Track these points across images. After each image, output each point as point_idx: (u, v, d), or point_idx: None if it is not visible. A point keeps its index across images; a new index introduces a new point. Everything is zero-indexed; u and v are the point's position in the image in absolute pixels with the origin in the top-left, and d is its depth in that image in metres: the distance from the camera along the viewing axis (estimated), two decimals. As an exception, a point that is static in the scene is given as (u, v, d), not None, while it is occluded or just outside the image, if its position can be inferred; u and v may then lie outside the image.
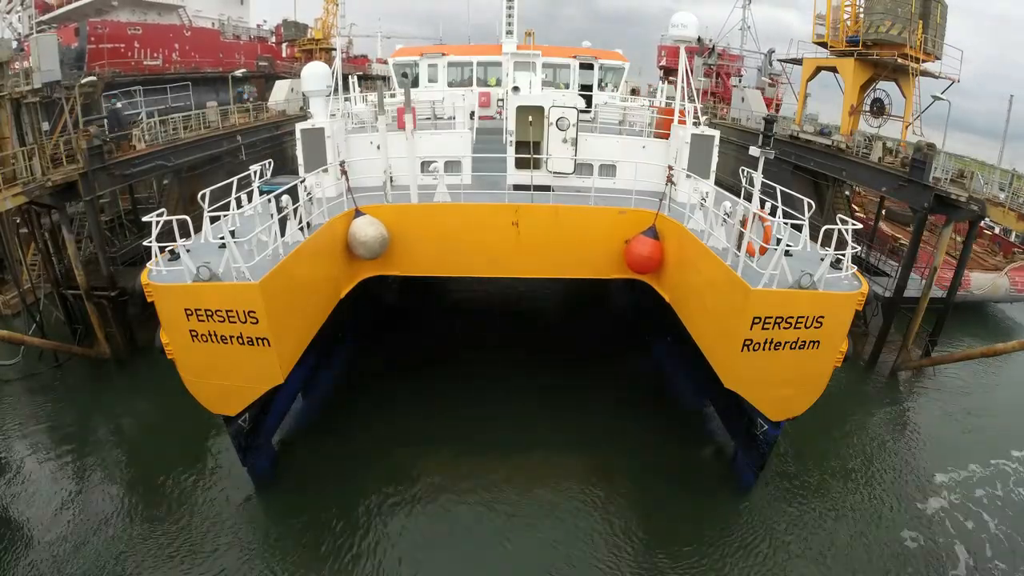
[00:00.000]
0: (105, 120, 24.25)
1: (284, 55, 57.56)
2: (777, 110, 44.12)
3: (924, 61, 25.90)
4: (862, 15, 26.19)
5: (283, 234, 12.28)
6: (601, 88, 24.82)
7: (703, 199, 14.36)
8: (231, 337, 11.32)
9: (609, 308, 24.82)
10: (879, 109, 28.18)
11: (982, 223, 22.64)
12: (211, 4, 48.46)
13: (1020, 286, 27.30)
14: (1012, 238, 32.54)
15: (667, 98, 19.97)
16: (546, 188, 16.24)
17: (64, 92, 22.81)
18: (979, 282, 26.21)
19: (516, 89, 18.22)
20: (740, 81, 52.35)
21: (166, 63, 40.20)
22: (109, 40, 36.57)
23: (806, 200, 12.14)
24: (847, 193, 30.84)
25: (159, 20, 43.38)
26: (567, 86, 24.39)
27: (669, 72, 53.15)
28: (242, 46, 49.57)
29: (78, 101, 23.40)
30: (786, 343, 11.73)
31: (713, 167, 16.04)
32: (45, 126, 22.57)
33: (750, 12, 51.41)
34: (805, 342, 11.75)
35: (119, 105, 29.65)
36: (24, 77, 20.82)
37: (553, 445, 16.56)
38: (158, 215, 10.82)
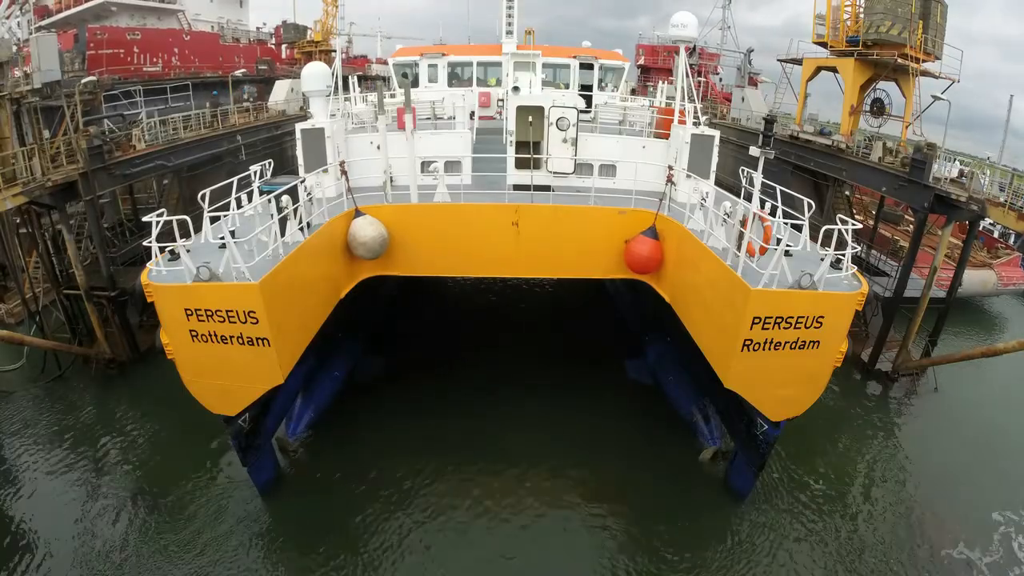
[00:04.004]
0: (106, 120, 24.23)
1: (284, 57, 57.58)
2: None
3: (924, 61, 25.87)
4: (862, 15, 26.14)
5: (283, 234, 12.27)
6: (601, 88, 24.82)
7: (703, 199, 14.35)
8: (231, 337, 11.32)
9: (609, 308, 24.79)
10: (879, 109, 28.13)
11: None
12: (210, 7, 48.54)
13: (1006, 280, 28.52)
14: (1012, 240, 32.54)
15: (667, 98, 19.95)
16: (546, 188, 16.22)
17: (65, 99, 22.79)
18: (970, 278, 26.40)
19: (516, 89, 18.20)
20: (720, 79, 52.91)
21: (166, 68, 40.15)
22: (108, 46, 36.55)
23: (806, 200, 12.12)
24: (847, 193, 30.79)
25: (158, 24, 43.36)
26: (567, 86, 24.37)
27: (646, 71, 53.82)
28: (241, 49, 49.58)
29: (79, 106, 23.38)
30: (786, 343, 11.72)
31: (713, 167, 16.00)
32: (46, 133, 22.52)
33: (730, 12, 52.64)
34: (805, 342, 11.75)
35: (124, 102, 29.86)
36: (24, 78, 20.81)
37: (553, 447, 16.53)
38: (158, 215, 10.81)
